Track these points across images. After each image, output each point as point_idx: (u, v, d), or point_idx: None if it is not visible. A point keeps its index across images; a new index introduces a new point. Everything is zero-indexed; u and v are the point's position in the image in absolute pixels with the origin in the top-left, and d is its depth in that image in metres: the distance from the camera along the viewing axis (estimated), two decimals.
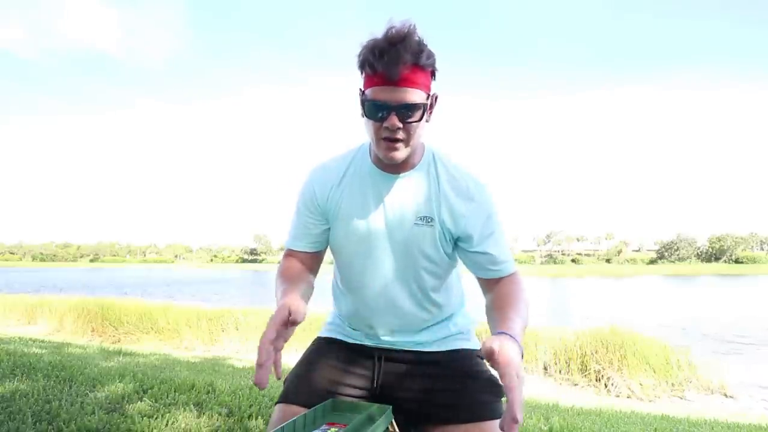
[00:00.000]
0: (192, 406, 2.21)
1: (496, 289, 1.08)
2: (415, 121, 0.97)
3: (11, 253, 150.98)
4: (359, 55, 0.95)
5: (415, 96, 0.95)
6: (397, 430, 0.95)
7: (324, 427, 0.89)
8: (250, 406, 2.26)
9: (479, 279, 1.12)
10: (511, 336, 0.84)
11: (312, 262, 1.16)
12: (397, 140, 0.98)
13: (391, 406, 0.96)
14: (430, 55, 0.95)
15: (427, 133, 1.08)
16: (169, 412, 2.08)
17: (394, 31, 0.92)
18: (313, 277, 1.16)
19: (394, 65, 0.91)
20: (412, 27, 0.93)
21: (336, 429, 0.87)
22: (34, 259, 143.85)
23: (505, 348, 0.78)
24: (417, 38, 0.93)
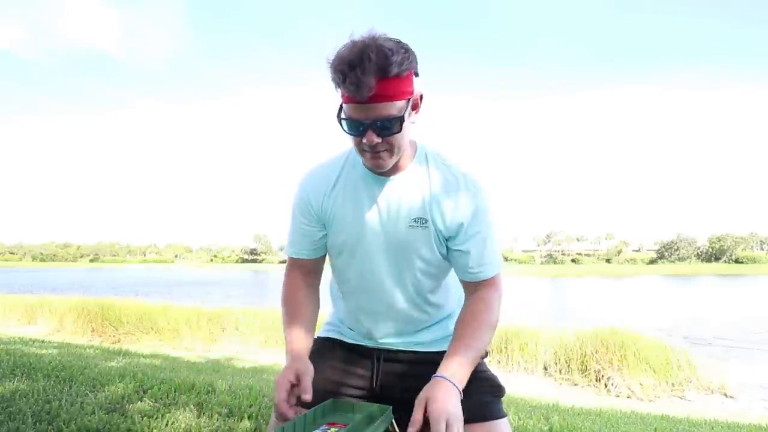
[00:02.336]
0: (192, 406, 2.20)
1: (469, 300, 1.09)
2: (394, 134, 0.95)
3: (11, 253, 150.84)
4: (329, 72, 0.92)
5: (390, 108, 0.92)
6: (397, 430, 0.95)
7: (324, 427, 0.89)
8: (250, 406, 2.26)
9: (461, 281, 1.12)
10: (448, 380, 0.93)
11: (316, 267, 1.18)
12: (380, 151, 0.98)
13: (391, 407, 0.96)
14: (403, 61, 0.90)
15: (419, 132, 1.07)
16: (169, 412, 2.08)
17: (353, 50, 0.88)
18: (317, 282, 1.20)
19: (358, 88, 0.88)
20: (374, 39, 0.89)
21: (336, 429, 0.87)
22: (34, 259, 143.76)
23: (438, 399, 0.88)
24: (383, 50, 0.88)
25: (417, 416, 0.88)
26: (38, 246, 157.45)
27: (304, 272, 1.17)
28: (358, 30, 0.91)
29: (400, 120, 0.94)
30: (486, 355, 1.23)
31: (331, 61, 0.91)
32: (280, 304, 1.16)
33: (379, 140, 0.95)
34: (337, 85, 0.92)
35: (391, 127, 0.94)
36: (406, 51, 0.91)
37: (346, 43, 0.90)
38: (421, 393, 0.92)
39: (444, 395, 0.89)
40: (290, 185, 1.19)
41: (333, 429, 0.88)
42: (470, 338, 1.01)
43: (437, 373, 0.95)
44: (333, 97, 0.97)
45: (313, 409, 0.94)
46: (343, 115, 0.96)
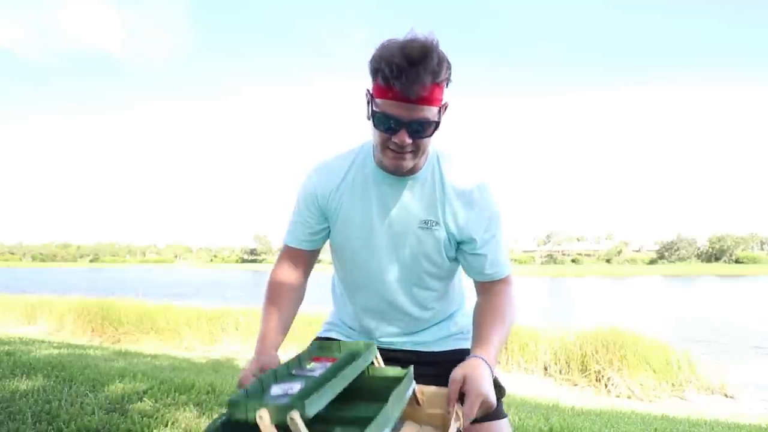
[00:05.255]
0: (192, 406, 2.20)
1: (486, 296, 1.10)
2: (425, 137, 0.95)
3: (11, 253, 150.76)
4: (373, 61, 0.90)
5: (429, 113, 0.92)
6: (382, 363, 0.94)
7: (313, 364, 0.87)
8: None
9: (474, 281, 1.13)
10: (483, 360, 0.92)
11: (310, 260, 1.17)
12: (406, 152, 0.97)
13: (375, 342, 0.95)
14: (448, 68, 0.92)
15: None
16: (169, 412, 2.08)
17: (416, 47, 0.87)
18: (305, 280, 1.17)
19: (412, 86, 0.87)
20: (434, 43, 0.88)
21: (322, 363, 0.86)
22: (34, 259, 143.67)
23: (475, 379, 0.87)
24: (441, 54, 0.89)
25: (453, 392, 0.88)
26: (38, 246, 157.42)
27: (295, 263, 1.15)
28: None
29: (436, 125, 0.95)
30: None
31: (380, 52, 0.90)
32: (264, 292, 1.14)
33: (410, 141, 0.94)
34: (384, 77, 0.88)
35: (425, 130, 0.94)
36: (448, 61, 0.93)
37: (401, 39, 0.89)
38: (457, 369, 0.90)
39: (481, 375, 0.89)
40: (291, 185, 1.19)
41: (320, 363, 0.86)
42: (499, 325, 1.02)
43: (474, 353, 0.96)
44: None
45: (298, 354, 0.92)
46: (376, 109, 0.94)
